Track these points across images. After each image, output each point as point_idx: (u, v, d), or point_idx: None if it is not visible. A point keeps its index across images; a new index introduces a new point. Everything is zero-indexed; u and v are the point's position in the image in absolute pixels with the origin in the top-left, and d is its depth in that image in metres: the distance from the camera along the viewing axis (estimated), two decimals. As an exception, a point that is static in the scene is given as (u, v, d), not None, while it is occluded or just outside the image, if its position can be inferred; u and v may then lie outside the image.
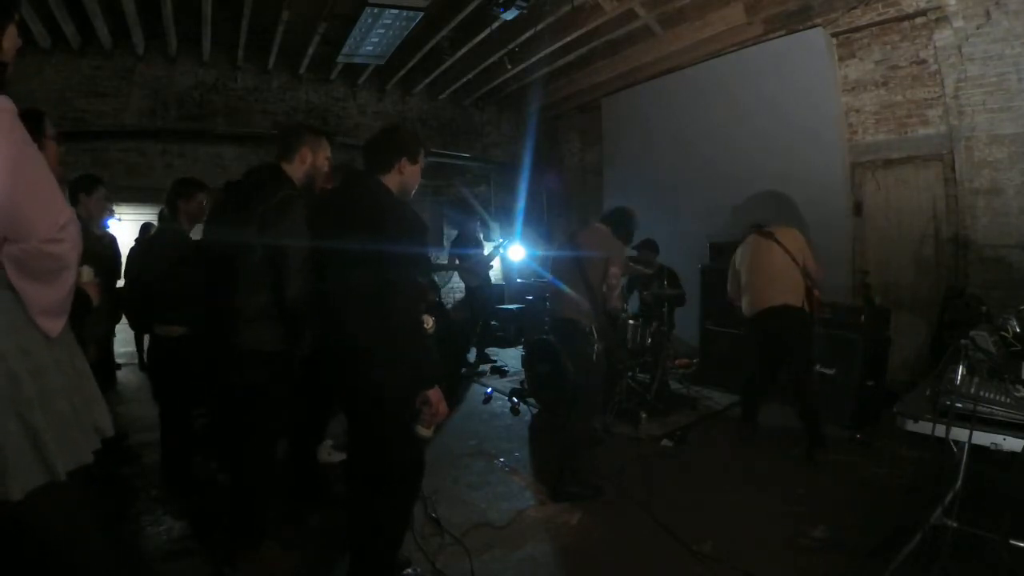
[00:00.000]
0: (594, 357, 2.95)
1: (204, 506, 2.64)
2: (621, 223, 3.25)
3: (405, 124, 7.55)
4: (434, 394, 1.82)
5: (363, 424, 1.94)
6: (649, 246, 4.89)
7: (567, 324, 3.06)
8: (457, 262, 5.93)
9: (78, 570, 1.24)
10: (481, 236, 6.30)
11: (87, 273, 1.71)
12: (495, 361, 5.93)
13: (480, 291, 6.06)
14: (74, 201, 3.06)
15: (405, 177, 1.97)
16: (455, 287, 7.65)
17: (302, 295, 1.94)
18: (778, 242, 3.49)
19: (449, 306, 7.38)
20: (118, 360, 5.54)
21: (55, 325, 1.17)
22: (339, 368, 1.90)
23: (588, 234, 3.23)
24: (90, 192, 3.06)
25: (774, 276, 3.47)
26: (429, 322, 1.98)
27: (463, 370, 5.63)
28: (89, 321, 1.72)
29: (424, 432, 1.88)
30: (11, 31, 1.22)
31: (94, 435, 1.27)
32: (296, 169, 2.12)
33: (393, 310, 1.74)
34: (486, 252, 6.14)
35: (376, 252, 1.74)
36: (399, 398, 1.83)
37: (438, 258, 7.32)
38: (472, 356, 5.98)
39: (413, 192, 2.07)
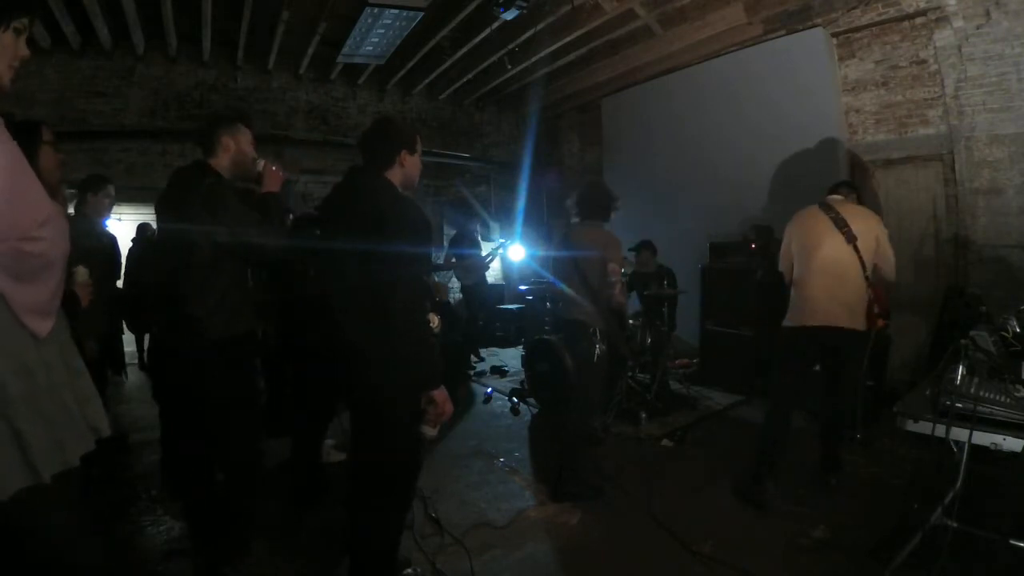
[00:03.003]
0: (595, 358, 2.94)
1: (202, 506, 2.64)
2: (597, 205, 3.07)
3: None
4: (439, 394, 1.82)
5: (366, 423, 1.94)
6: (645, 247, 4.91)
7: (572, 325, 3.04)
8: (454, 260, 5.94)
9: (66, 572, 1.23)
10: (479, 237, 6.32)
11: (82, 274, 1.70)
12: (483, 359, 5.93)
13: (474, 290, 6.07)
14: (81, 200, 3.11)
15: (407, 169, 1.94)
16: (453, 287, 7.66)
17: (274, 252, 2.01)
18: (843, 229, 2.75)
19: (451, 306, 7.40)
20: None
21: (43, 325, 1.14)
22: (344, 367, 1.89)
23: (581, 233, 3.15)
24: (96, 191, 3.11)
25: (836, 279, 2.75)
26: (435, 320, 1.96)
27: (469, 371, 5.66)
28: (81, 321, 1.71)
29: (429, 431, 1.88)
30: (3, 40, 1.13)
31: (88, 435, 1.25)
32: (222, 161, 2.06)
33: (398, 309, 1.72)
34: (484, 253, 6.16)
35: (381, 250, 1.72)
36: (402, 397, 1.82)
37: (438, 258, 7.33)
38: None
39: (417, 182, 2.04)
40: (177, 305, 1.93)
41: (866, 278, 2.75)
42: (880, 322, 2.83)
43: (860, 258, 2.73)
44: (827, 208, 2.86)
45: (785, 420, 2.85)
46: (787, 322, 2.92)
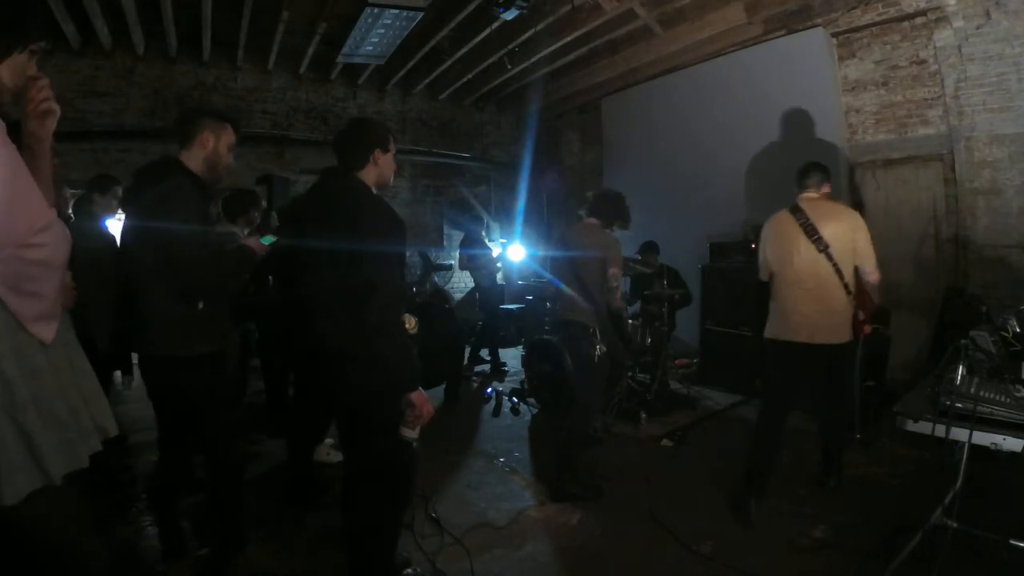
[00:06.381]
0: (596, 359, 2.94)
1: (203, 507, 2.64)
2: (611, 210, 3.11)
3: (402, 122, 7.57)
4: (417, 396, 1.81)
5: (350, 424, 1.94)
6: (650, 248, 4.91)
7: (570, 325, 3.04)
8: (468, 262, 5.95)
9: (75, 573, 1.23)
10: (485, 237, 6.32)
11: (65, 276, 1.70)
12: (487, 360, 5.94)
13: (486, 291, 6.06)
14: (87, 199, 3.11)
15: (381, 168, 1.94)
16: (455, 287, 7.66)
17: (202, 287, 1.88)
18: (814, 237, 2.58)
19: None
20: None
21: (48, 331, 1.15)
22: (323, 369, 1.89)
23: (580, 233, 3.16)
24: (104, 191, 3.11)
25: (812, 292, 2.61)
26: (411, 322, 1.94)
27: (476, 369, 5.65)
28: (92, 322, 1.70)
29: (409, 434, 1.86)
30: (15, 61, 1.13)
31: (95, 435, 1.25)
32: (195, 156, 1.96)
33: (371, 311, 1.71)
34: (494, 253, 6.16)
35: (355, 253, 1.72)
36: (380, 399, 1.82)
37: (438, 258, 7.32)
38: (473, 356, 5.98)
39: (391, 180, 2.03)
40: (126, 310, 1.90)
41: (845, 286, 2.61)
42: (866, 328, 2.69)
43: (836, 266, 2.59)
44: (797, 212, 2.71)
45: (775, 433, 2.74)
46: (768, 333, 2.78)
